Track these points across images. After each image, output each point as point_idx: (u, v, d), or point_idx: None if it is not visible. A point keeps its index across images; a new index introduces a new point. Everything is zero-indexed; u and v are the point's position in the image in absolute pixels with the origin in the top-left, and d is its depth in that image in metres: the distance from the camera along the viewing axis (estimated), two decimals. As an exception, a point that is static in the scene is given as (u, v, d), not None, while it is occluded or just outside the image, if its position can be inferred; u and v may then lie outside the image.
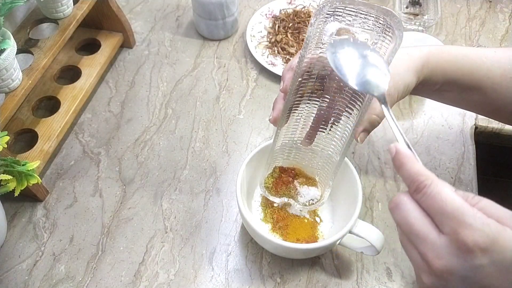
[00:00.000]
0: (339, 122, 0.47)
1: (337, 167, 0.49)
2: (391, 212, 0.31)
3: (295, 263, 0.54)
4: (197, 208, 0.59)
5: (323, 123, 0.48)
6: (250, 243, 0.56)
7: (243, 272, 0.53)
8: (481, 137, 0.69)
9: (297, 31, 0.79)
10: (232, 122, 0.68)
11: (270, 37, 0.78)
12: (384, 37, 0.37)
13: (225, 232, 0.57)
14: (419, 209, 0.29)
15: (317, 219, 0.55)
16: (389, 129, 0.67)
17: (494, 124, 0.67)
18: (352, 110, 0.44)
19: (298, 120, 0.49)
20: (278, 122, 0.46)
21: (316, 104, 0.47)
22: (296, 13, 0.82)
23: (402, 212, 0.30)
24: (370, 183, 0.61)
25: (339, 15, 0.37)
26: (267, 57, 0.75)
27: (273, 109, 0.47)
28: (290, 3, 0.84)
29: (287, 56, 0.75)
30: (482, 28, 0.82)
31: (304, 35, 0.78)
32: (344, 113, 0.46)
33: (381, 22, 0.37)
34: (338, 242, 0.49)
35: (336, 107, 0.46)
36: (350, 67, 0.36)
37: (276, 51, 0.76)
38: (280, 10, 0.83)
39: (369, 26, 0.37)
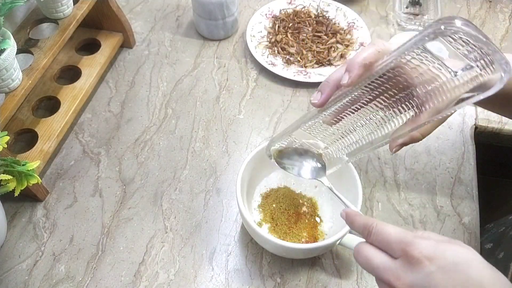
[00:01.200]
0: (374, 116, 0.44)
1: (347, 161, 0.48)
2: (356, 259, 0.36)
3: (295, 263, 0.54)
4: (197, 208, 0.59)
5: (357, 107, 0.44)
6: (250, 243, 0.56)
7: (243, 272, 0.53)
8: (481, 137, 0.69)
9: (297, 31, 0.79)
10: (232, 122, 0.68)
11: (270, 37, 0.78)
12: (482, 75, 0.35)
13: (225, 232, 0.57)
14: (374, 248, 0.35)
15: (317, 219, 0.55)
16: (389, 129, 0.67)
17: (494, 124, 0.67)
18: (395, 112, 0.42)
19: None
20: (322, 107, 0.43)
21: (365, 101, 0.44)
22: (296, 13, 0.82)
23: (362, 254, 0.35)
24: (370, 183, 0.61)
25: (452, 39, 0.34)
26: (267, 57, 0.75)
27: (321, 91, 0.43)
28: (290, 3, 0.84)
29: (287, 56, 0.75)
30: (482, 28, 0.82)
31: (304, 35, 0.78)
32: (385, 110, 0.42)
33: (487, 60, 0.34)
34: (338, 242, 0.49)
35: (380, 104, 0.42)
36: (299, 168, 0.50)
37: (276, 51, 0.76)
38: (280, 10, 0.83)
39: (472, 59, 0.34)
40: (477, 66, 0.34)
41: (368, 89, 0.40)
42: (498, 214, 0.86)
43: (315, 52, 0.75)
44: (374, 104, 0.41)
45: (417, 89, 0.39)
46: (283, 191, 0.57)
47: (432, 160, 0.64)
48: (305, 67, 0.74)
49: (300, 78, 0.72)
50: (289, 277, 0.53)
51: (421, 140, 0.47)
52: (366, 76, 0.40)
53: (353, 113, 0.43)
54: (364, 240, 0.37)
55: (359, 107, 0.42)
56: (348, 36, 0.78)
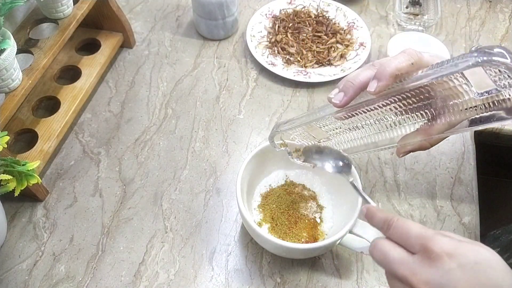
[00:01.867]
0: (386, 118, 0.43)
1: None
2: (372, 254, 0.36)
3: (295, 263, 0.54)
4: (197, 208, 0.59)
5: (371, 108, 0.42)
6: (250, 243, 0.56)
7: (243, 272, 0.53)
8: (481, 137, 0.69)
9: (297, 31, 0.79)
10: (232, 122, 0.68)
11: (270, 37, 0.78)
12: (506, 101, 0.35)
13: (225, 232, 0.57)
14: (392, 243, 0.35)
15: (317, 219, 0.55)
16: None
17: (494, 124, 0.67)
18: (408, 119, 0.41)
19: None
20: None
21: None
22: (296, 13, 0.82)
23: (378, 248, 0.35)
24: (370, 183, 0.61)
25: (496, 72, 0.33)
26: (267, 57, 0.75)
27: (344, 92, 0.41)
28: (290, 3, 0.84)
29: (287, 56, 0.75)
30: (482, 28, 0.82)
31: (304, 35, 0.78)
32: (398, 115, 0.42)
33: None
34: (338, 242, 0.49)
35: (396, 108, 0.41)
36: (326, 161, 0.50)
37: (276, 51, 0.76)
38: (280, 10, 0.83)
39: (502, 85, 0.34)
40: (505, 92, 0.34)
41: (391, 98, 0.40)
42: (499, 215, 0.86)
43: (315, 52, 0.75)
44: (390, 108, 0.41)
45: (437, 101, 0.38)
46: (283, 191, 0.57)
47: (432, 160, 0.64)
48: (305, 67, 0.74)
49: (300, 78, 0.72)
50: (289, 277, 0.53)
51: (429, 148, 0.47)
52: (394, 88, 0.39)
53: (366, 112, 0.42)
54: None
55: (374, 108, 0.41)
56: (348, 36, 0.78)
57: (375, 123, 0.43)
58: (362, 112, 0.42)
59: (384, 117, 0.42)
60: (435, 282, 0.30)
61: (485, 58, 0.32)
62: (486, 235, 0.64)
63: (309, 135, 0.49)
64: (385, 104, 0.40)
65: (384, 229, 0.36)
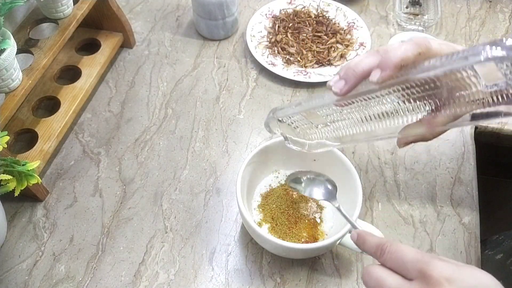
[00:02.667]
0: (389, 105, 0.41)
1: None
2: (365, 282, 0.34)
3: (295, 263, 0.54)
4: (197, 208, 0.59)
5: (373, 96, 0.41)
6: (250, 243, 0.56)
7: (243, 272, 0.53)
8: (481, 137, 0.69)
9: (297, 31, 0.79)
10: (232, 122, 0.68)
11: (270, 37, 0.78)
12: None
13: (225, 232, 0.57)
14: (387, 270, 0.33)
15: (317, 219, 0.55)
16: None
17: (494, 124, 0.67)
18: (412, 109, 0.40)
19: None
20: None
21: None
22: (296, 13, 0.82)
23: (373, 276, 0.33)
24: (370, 183, 0.61)
25: (508, 65, 0.32)
26: (267, 57, 0.75)
27: (345, 80, 0.39)
28: (290, 3, 0.84)
29: (287, 56, 0.75)
30: (482, 28, 0.82)
31: (304, 35, 0.78)
32: (400, 104, 0.40)
33: None
34: (338, 242, 0.49)
35: (399, 98, 0.40)
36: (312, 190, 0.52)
37: (276, 51, 0.76)
38: (280, 10, 0.83)
39: None
40: None
41: (395, 87, 0.38)
42: (499, 215, 0.86)
43: (315, 52, 0.75)
44: (393, 97, 0.39)
45: (442, 91, 0.37)
46: (283, 191, 0.57)
47: (432, 160, 0.64)
48: (305, 67, 0.74)
49: (300, 78, 0.72)
50: (289, 277, 0.53)
51: (430, 140, 0.45)
52: (398, 78, 0.37)
53: (367, 100, 0.40)
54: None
55: (376, 97, 0.39)
56: (348, 36, 0.78)
57: (376, 112, 0.41)
58: (363, 100, 0.41)
59: (386, 105, 0.40)
60: None
61: (497, 54, 0.31)
62: (488, 240, 0.64)
63: (307, 121, 0.48)
64: (387, 93, 0.39)
65: (377, 255, 0.35)
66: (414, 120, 0.41)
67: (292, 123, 0.49)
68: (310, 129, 0.49)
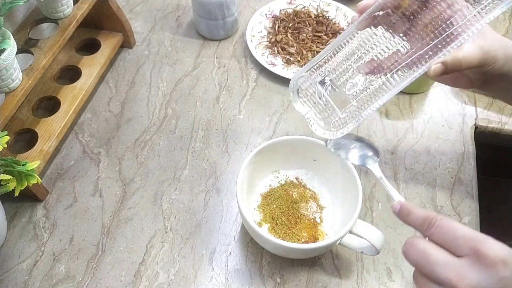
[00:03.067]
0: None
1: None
2: (407, 254, 0.32)
3: (295, 263, 0.54)
4: (197, 208, 0.59)
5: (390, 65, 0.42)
6: (250, 243, 0.56)
7: (243, 272, 0.53)
8: (481, 137, 0.69)
9: (297, 31, 0.79)
10: (232, 122, 0.68)
11: (270, 37, 0.78)
12: None
13: (225, 232, 0.57)
14: (433, 243, 0.32)
15: (317, 219, 0.55)
16: (389, 128, 0.67)
17: (494, 124, 0.67)
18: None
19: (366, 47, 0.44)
20: (365, 11, 0.43)
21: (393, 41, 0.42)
22: (296, 13, 0.82)
23: (418, 247, 0.32)
24: (370, 183, 0.61)
25: None
26: (267, 57, 0.75)
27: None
28: (290, 3, 0.84)
29: (287, 56, 0.75)
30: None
31: (304, 35, 0.78)
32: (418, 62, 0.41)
33: None
34: (338, 242, 0.49)
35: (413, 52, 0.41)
36: (350, 152, 0.49)
37: (276, 51, 0.76)
38: (280, 10, 0.83)
39: None
40: None
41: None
42: (499, 215, 0.86)
43: (315, 52, 0.75)
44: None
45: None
46: (283, 191, 0.57)
47: (432, 160, 0.64)
48: (305, 67, 0.74)
49: (300, 78, 0.72)
50: (289, 277, 0.53)
51: (461, 67, 0.43)
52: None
53: (390, 15, 0.42)
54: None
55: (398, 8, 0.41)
56: (348, 36, 0.78)
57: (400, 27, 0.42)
58: (386, 15, 0.42)
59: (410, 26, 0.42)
60: None
61: None
62: None
63: (333, 71, 0.46)
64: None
65: (424, 228, 0.33)
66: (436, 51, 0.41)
67: (315, 90, 0.48)
68: (335, 87, 0.47)
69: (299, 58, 0.75)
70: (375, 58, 0.44)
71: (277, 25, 0.80)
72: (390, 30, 0.43)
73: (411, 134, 0.67)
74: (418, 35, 0.42)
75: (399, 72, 0.43)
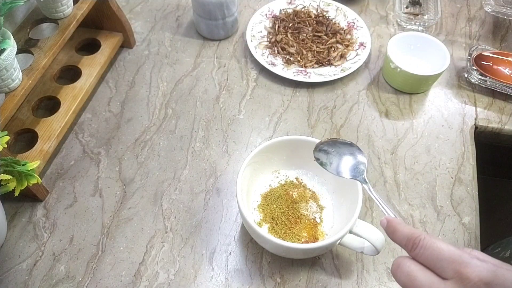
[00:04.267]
0: None
1: None
2: (395, 275, 0.32)
3: (295, 263, 0.54)
4: (197, 208, 0.59)
5: None
6: (250, 243, 0.56)
7: (243, 272, 0.53)
8: (481, 137, 0.69)
9: (297, 31, 0.79)
10: (232, 122, 0.68)
11: (270, 37, 0.78)
12: None
13: (225, 232, 0.57)
14: (419, 265, 0.31)
15: (317, 219, 0.55)
16: (389, 128, 0.67)
17: (494, 124, 0.67)
18: None
19: None
20: None
21: None
22: (296, 13, 0.82)
23: (404, 270, 0.31)
24: (370, 183, 0.61)
25: None
26: (267, 57, 0.75)
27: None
28: (290, 3, 0.84)
29: (287, 56, 0.75)
30: (482, 28, 0.82)
31: (304, 35, 0.78)
32: None
33: None
34: (338, 242, 0.49)
35: None
36: (338, 163, 0.49)
37: (276, 51, 0.76)
38: (280, 10, 0.83)
39: None
40: None
41: None
42: (499, 215, 0.86)
43: (315, 52, 0.75)
44: None
45: None
46: (283, 191, 0.57)
47: (432, 160, 0.64)
48: (305, 67, 0.74)
49: (300, 78, 0.72)
50: (289, 277, 0.53)
51: None
52: None
53: None
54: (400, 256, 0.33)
55: None
56: (348, 36, 0.78)
57: None
58: None
59: None
60: None
61: None
62: (486, 250, 0.64)
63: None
64: None
65: (409, 248, 0.33)
66: None
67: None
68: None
69: (299, 58, 0.75)
70: None
71: (277, 25, 0.80)
72: None
73: (411, 134, 0.67)
74: None
75: None
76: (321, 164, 0.50)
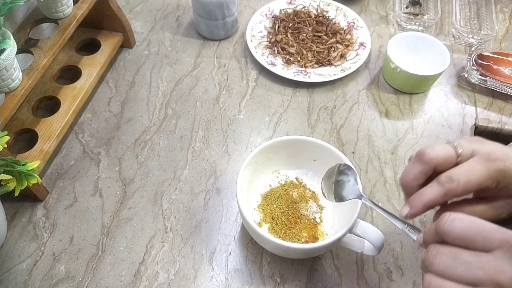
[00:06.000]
0: None
1: None
2: (432, 262, 0.31)
3: (295, 263, 0.54)
4: (197, 208, 0.59)
5: None
6: (250, 243, 0.56)
7: (243, 272, 0.53)
8: (481, 137, 0.69)
9: (297, 31, 0.79)
10: (232, 122, 0.68)
11: (270, 37, 0.78)
12: None
13: (225, 232, 0.57)
14: (454, 246, 0.31)
15: (317, 219, 0.55)
16: (389, 128, 0.67)
17: (494, 124, 0.67)
18: None
19: None
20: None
21: None
22: (296, 13, 0.82)
23: (444, 251, 0.30)
24: (370, 183, 0.61)
25: None
26: (267, 57, 0.75)
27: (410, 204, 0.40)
28: (290, 3, 0.84)
29: (287, 56, 0.75)
30: (482, 29, 0.82)
31: (304, 35, 0.78)
32: None
33: None
34: (338, 242, 0.49)
35: None
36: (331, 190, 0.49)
37: (276, 51, 0.76)
38: (280, 10, 0.83)
39: None
40: None
41: None
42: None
43: (315, 52, 0.75)
44: None
45: None
46: (283, 191, 0.57)
47: (432, 160, 0.64)
48: (305, 67, 0.74)
49: (300, 78, 0.72)
50: (289, 277, 0.53)
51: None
52: None
53: None
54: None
55: None
56: (348, 36, 0.78)
57: None
58: None
59: None
60: None
61: None
62: None
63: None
64: None
65: (442, 223, 0.32)
66: None
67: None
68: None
69: (299, 58, 0.75)
70: None
71: (277, 25, 0.80)
72: None
73: (411, 134, 0.67)
74: None
75: None
76: (325, 197, 0.50)
